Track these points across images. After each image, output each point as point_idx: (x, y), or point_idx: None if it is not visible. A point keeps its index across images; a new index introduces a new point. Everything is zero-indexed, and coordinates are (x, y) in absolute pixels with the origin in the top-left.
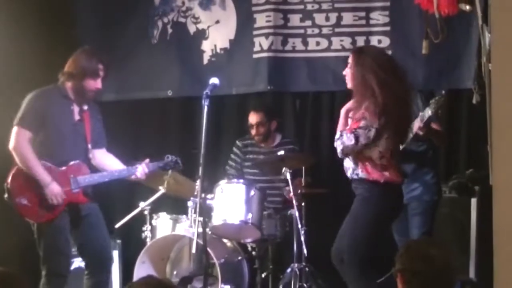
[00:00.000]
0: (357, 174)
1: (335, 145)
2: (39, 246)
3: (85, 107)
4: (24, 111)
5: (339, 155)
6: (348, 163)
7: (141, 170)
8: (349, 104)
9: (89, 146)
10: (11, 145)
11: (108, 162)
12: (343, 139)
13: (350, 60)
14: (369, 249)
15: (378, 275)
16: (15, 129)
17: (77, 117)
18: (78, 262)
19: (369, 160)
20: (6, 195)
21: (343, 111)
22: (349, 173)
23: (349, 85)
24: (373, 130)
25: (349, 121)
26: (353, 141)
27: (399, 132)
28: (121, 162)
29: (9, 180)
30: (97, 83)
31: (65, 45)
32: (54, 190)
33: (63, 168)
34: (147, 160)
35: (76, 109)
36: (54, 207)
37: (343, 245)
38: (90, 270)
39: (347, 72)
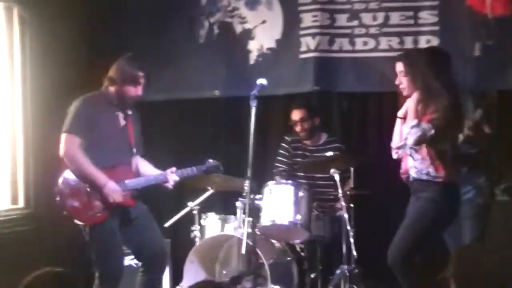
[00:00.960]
0: (427, 174)
1: (407, 134)
2: (91, 250)
3: (129, 112)
4: (71, 117)
5: (412, 143)
6: (413, 162)
7: (173, 178)
8: (417, 97)
9: (134, 150)
10: (61, 152)
11: (143, 168)
12: (422, 127)
13: (401, 68)
14: (417, 247)
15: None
16: (64, 136)
17: (122, 122)
18: (128, 260)
19: (444, 154)
20: (58, 198)
21: (413, 102)
22: (413, 173)
23: (405, 92)
24: (444, 124)
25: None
26: (432, 130)
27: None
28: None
29: (60, 183)
30: (137, 90)
31: (112, 45)
32: (112, 187)
33: (111, 172)
34: (173, 169)
35: (121, 114)
36: (104, 209)
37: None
38: (146, 268)
39: (402, 81)
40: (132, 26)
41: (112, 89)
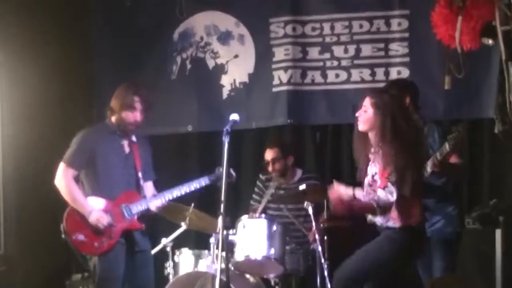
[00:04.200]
0: (387, 227)
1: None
2: (93, 278)
3: (134, 139)
4: (71, 149)
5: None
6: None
7: (155, 204)
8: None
9: (140, 175)
10: (56, 180)
11: (148, 193)
12: (381, 197)
13: (366, 103)
14: (365, 276)
15: None
16: (61, 166)
17: (127, 149)
18: None
19: (403, 200)
20: (63, 235)
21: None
22: (378, 223)
23: (361, 127)
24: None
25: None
26: (394, 197)
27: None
28: None
29: (64, 220)
30: (135, 116)
31: (84, 81)
32: (95, 215)
33: (114, 199)
34: (154, 192)
35: (125, 142)
36: (110, 238)
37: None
38: None
39: (361, 114)
40: (103, 63)
41: (113, 118)
